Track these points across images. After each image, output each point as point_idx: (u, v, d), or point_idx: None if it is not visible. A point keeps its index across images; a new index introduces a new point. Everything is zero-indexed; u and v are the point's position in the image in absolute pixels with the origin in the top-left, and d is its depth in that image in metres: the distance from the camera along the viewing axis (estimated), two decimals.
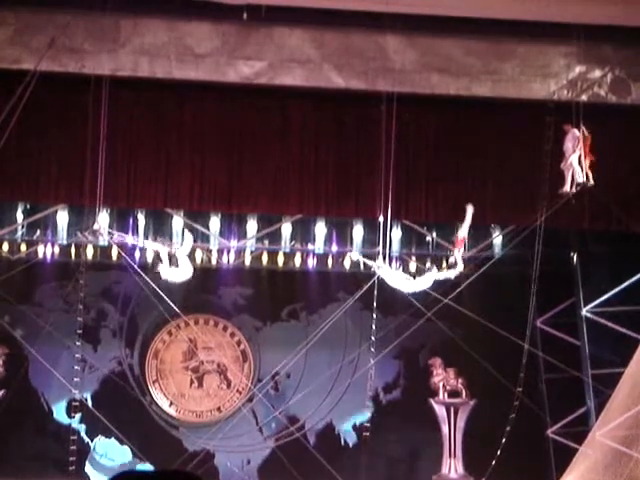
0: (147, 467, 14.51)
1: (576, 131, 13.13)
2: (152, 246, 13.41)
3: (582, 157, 13.10)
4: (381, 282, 13.60)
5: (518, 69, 13.57)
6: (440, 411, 15.53)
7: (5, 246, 15.48)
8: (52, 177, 13.54)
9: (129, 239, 14.48)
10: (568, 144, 13.15)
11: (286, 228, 15.71)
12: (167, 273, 13.25)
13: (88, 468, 15.32)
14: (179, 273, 13.32)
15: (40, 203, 14.85)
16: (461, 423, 15.42)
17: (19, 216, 15.31)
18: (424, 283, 13.46)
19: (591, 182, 12.98)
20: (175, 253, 13.30)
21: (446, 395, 15.58)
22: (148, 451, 14.95)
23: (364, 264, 14.68)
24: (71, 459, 14.36)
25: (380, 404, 15.91)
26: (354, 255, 15.00)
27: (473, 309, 14.65)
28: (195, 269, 14.69)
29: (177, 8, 13.13)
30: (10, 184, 13.58)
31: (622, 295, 14.60)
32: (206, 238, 15.78)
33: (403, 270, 14.53)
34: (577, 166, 13.14)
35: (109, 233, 14.03)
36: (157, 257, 13.62)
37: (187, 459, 15.06)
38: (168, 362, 16.10)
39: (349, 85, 13.42)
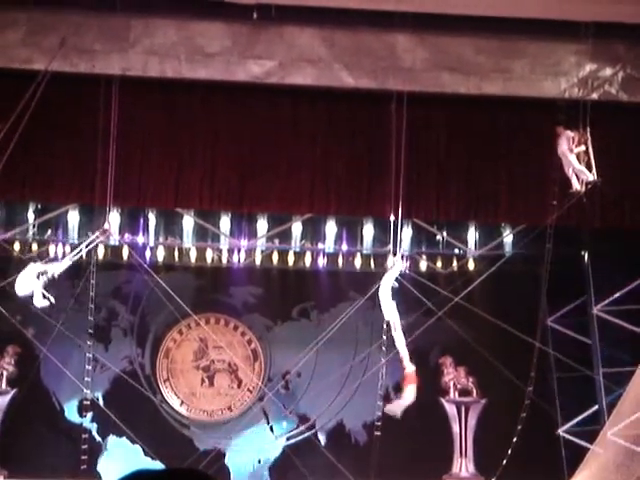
0: (158, 466, 14.52)
1: (569, 132, 13.10)
2: None
3: (591, 155, 13.07)
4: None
5: (528, 67, 13.54)
6: (451, 410, 15.50)
7: (16, 246, 15.50)
8: (63, 177, 13.56)
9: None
10: (563, 146, 13.12)
11: (296, 227, 15.72)
12: None
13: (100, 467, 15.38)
14: None
15: (51, 203, 14.88)
16: (472, 422, 15.39)
17: (30, 216, 15.36)
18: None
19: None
20: None
21: (457, 394, 15.55)
22: (159, 450, 14.95)
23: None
24: (83, 458, 14.38)
25: (391, 403, 15.87)
26: None
27: (484, 308, 14.61)
28: (206, 268, 14.69)
29: (187, 8, 13.14)
30: (21, 184, 13.59)
31: (633, 293, 14.56)
32: (217, 238, 15.81)
33: (413, 269, 14.50)
34: (578, 165, 13.09)
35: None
36: None
37: (198, 458, 15.08)
38: (179, 361, 16.12)
39: (359, 84, 13.40)
